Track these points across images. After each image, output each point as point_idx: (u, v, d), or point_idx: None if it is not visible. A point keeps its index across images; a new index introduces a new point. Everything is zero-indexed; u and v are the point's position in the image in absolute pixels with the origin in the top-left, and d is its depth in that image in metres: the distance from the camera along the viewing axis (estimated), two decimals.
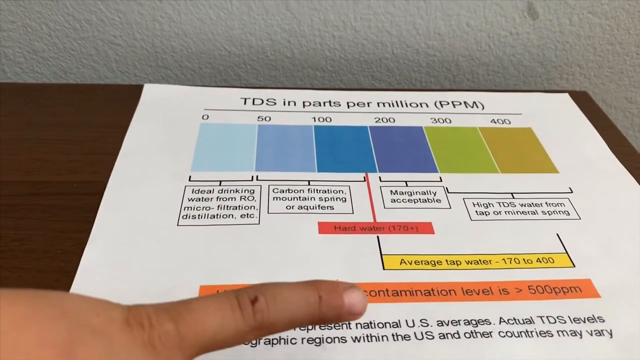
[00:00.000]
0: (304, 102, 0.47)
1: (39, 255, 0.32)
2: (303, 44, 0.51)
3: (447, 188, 0.38)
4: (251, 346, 0.27)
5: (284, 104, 0.46)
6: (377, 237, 0.34)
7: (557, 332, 0.29)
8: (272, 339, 0.28)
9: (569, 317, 0.30)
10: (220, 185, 0.37)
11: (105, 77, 0.51)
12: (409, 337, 0.28)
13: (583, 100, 0.49)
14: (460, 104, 0.47)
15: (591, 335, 0.29)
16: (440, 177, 0.39)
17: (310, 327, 0.28)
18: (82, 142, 0.41)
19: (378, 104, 0.47)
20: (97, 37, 0.49)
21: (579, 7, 0.51)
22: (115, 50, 0.50)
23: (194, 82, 0.52)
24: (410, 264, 0.32)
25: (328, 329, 0.28)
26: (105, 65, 0.50)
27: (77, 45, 0.49)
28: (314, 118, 0.45)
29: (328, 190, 0.37)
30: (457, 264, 0.33)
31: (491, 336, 0.28)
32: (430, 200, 0.37)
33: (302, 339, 0.28)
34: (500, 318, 0.29)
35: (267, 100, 0.47)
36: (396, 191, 0.38)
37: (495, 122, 0.46)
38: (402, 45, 0.52)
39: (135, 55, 0.50)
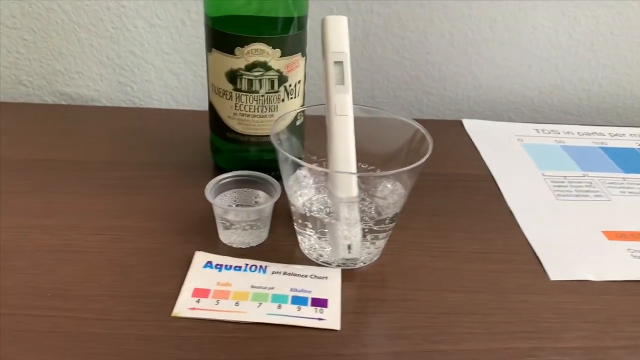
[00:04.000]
0: (578, 132, 0.65)
1: (461, 206, 0.50)
2: (562, 95, 0.70)
3: None
4: None
5: (565, 133, 0.65)
6: None
7: None
8: None
9: None
10: (565, 178, 0.55)
11: (415, 115, 0.70)
12: None
13: None
14: None
15: None
16: None
17: None
18: (448, 151, 0.59)
19: (630, 135, 0.65)
20: (419, 88, 0.69)
21: None
22: (428, 97, 0.70)
23: None
24: None
25: None
26: (418, 109, 0.70)
27: (404, 94, 0.69)
28: (593, 142, 0.63)
29: None
30: None
31: None
32: None
33: None
34: None
35: (551, 131, 0.65)
36: None
37: None
38: (632, 97, 0.70)
39: (441, 102, 0.70)
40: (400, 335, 0.37)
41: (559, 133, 0.66)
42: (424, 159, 0.40)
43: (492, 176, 0.56)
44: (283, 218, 0.46)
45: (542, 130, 0.66)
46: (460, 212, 0.50)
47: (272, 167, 0.48)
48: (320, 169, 0.42)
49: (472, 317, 0.38)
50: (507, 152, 0.61)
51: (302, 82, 0.50)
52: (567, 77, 0.70)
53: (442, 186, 0.54)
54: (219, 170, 0.46)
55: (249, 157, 0.51)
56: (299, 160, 0.40)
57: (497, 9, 0.66)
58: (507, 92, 0.71)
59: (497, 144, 0.62)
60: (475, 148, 0.61)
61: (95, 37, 0.65)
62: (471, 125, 0.66)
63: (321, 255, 0.43)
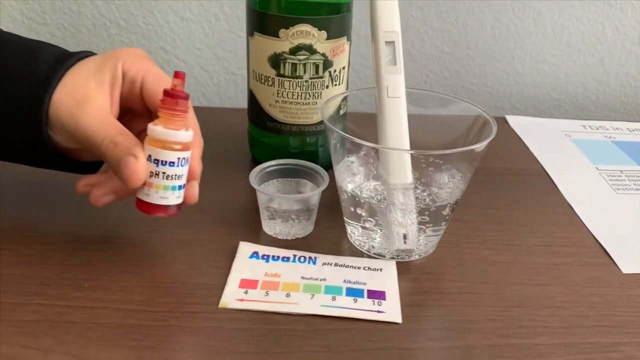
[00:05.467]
0: (627, 128, 0.62)
1: (516, 200, 0.47)
2: (607, 91, 0.67)
3: None
4: None
5: (614, 129, 0.62)
6: None
7: None
8: None
9: None
10: (622, 173, 0.52)
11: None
12: None
13: None
14: None
15: None
16: None
17: None
18: (496, 146, 0.56)
19: None
20: (459, 84, 0.67)
21: None
22: (468, 93, 0.67)
23: None
24: None
25: None
26: None
27: (442, 90, 0.66)
28: None
29: None
30: None
31: None
32: None
33: None
34: None
35: (599, 127, 0.62)
36: None
37: None
38: None
39: (481, 98, 0.67)
40: (468, 328, 0.34)
41: (608, 129, 0.63)
42: (486, 141, 0.37)
43: (544, 170, 0.53)
44: (328, 210, 0.43)
45: (590, 126, 0.63)
46: (516, 206, 0.47)
47: (312, 160, 0.45)
48: (380, 146, 0.39)
49: (544, 311, 0.35)
50: (556, 147, 0.58)
51: (346, 69, 0.47)
52: (613, 73, 0.67)
53: (493, 180, 0.50)
54: (258, 163, 0.43)
55: (289, 150, 0.48)
56: (355, 139, 0.37)
57: (541, 0, 0.64)
58: (549, 88, 0.68)
59: (545, 139, 0.59)
60: (523, 143, 0.58)
61: (125, 32, 0.64)
62: (516, 122, 0.63)
63: (373, 247, 0.40)
